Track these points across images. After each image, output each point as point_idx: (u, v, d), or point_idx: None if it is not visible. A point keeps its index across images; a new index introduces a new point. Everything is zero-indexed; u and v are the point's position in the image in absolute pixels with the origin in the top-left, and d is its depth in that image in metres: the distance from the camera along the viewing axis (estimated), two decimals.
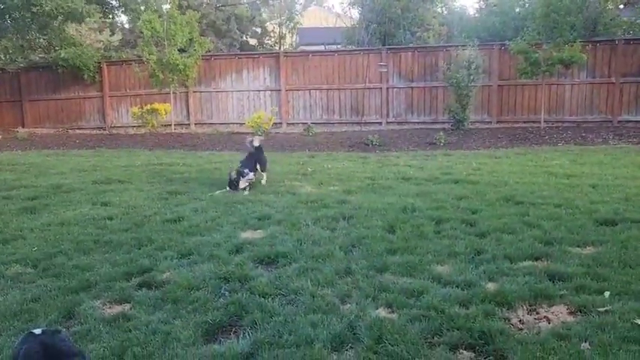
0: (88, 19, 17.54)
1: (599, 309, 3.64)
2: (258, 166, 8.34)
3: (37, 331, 2.51)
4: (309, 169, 9.73)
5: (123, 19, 25.33)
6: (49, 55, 18.79)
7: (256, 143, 8.52)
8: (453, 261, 4.64)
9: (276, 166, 10.06)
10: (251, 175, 7.96)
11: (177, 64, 15.88)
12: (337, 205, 6.76)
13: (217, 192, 7.77)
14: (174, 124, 17.06)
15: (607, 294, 3.86)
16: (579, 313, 3.65)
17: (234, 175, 7.99)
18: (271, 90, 17.38)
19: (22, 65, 18.56)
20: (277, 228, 5.78)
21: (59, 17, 16.69)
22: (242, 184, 7.87)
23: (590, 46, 14.72)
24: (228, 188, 7.92)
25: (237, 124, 17.24)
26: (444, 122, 15.69)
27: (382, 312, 3.73)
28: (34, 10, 16.06)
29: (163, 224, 6.08)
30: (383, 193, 7.45)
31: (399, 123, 16.56)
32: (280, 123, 17.08)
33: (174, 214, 6.52)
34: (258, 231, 5.76)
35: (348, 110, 16.99)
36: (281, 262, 4.73)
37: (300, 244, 5.17)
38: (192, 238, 5.47)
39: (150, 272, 4.56)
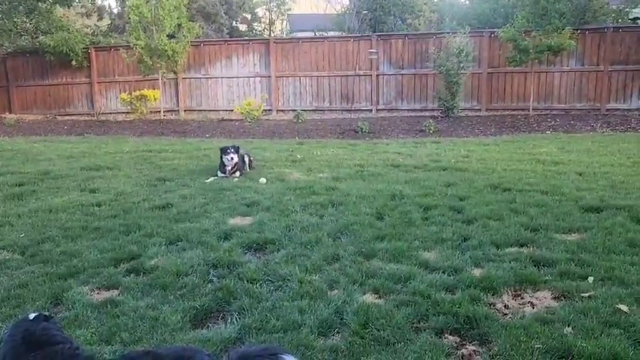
0: (76, 2, 17.27)
1: (582, 294, 3.69)
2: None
3: (31, 316, 2.49)
4: (299, 156, 9.72)
5: (111, 2, 25.00)
6: (36, 39, 18.53)
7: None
8: (440, 247, 4.67)
9: (266, 153, 10.04)
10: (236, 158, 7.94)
11: (166, 50, 15.72)
12: (326, 192, 6.77)
13: (211, 178, 7.76)
14: (164, 111, 16.94)
15: (591, 279, 3.92)
16: (563, 299, 3.70)
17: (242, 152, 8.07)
18: (261, 76, 17.28)
19: (8, 50, 18.27)
20: (266, 214, 5.78)
21: (47, 0, 16.42)
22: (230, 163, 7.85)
23: (579, 33, 14.75)
24: (219, 173, 7.91)
25: (226, 110, 17.14)
26: (433, 110, 15.71)
27: (369, 297, 3.76)
28: None
29: (152, 211, 6.07)
30: (372, 180, 7.47)
31: (388, 110, 16.56)
32: (270, 110, 17.01)
33: (162, 200, 6.51)
34: (247, 217, 5.76)
35: (338, 97, 16.95)
36: (269, 249, 4.75)
37: (289, 230, 5.19)
38: (180, 225, 5.47)
39: (138, 258, 4.56)
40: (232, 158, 7.85)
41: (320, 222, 5.46)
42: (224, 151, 7.93)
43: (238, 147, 8.07)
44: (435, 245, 4.73)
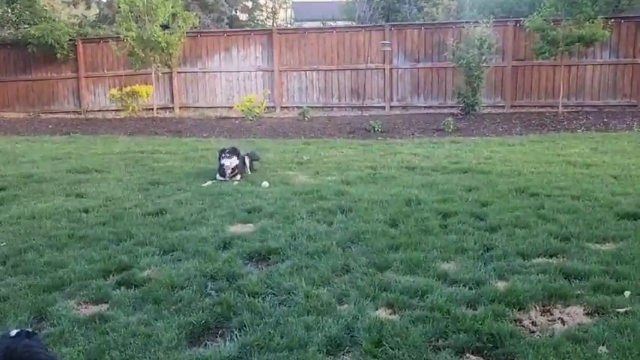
0: None
1: (618, 310, 3.67)
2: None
3: (13, 332, 2.50)
4: (305, 158, 9.73)
5: None
6: (18, 31, 18.68)
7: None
8: (460, 258, 4.66)
9: (269, 154, 10.05)
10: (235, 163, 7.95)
11: (160, 42, 15.80)
12: (335, 196, 6.77)
13: (208, 182, 7.79)
14: (157, 108, 17.01)
15: (627, 294, 3.89)
16: (597, 315, 3.68)
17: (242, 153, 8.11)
18: (263, 70, 17.33)
19: None
20: (269, 222, 5.79)
21: None
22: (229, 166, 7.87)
23: (613, 22, 14.68)
24: (218, 177, 7.94)
25: (225, 107, 17.20)
26: (452, 106, 15.68)
27: (382, 313, 3.76)
28: None
29: (144, 217, 6.09)
30: (385, 184, 7.47)
31: (403, 107, 16.55)
32: (273, 107, 17.05)
33: (156, 206, 6.53)
34: (248, 225, 5.77)
35: (348, 93, 16.97)
36: (273, 259, 4.75)
37: (294, 239, 5.19)
38: (175, 233, 5.49)
39: (129, 270, 4.58)
40: (231, 163, 7.86)
41: (328, 230, 5.46)
42: (221, 154, 7.95)
43: (237, 150, 8.07)
44: (455, 255, 4.72)
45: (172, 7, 16.29)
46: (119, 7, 16.42)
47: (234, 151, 7.96)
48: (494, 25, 15.11)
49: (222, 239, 5.25)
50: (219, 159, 7.96)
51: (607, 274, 4.20)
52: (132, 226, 5.71)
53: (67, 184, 7.87)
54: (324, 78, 17.04)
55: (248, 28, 21.68)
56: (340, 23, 23.30)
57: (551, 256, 4.66)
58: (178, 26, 16.39)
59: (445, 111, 15.56)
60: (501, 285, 4.11)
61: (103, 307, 3.98)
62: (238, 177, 8.00)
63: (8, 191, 7.51)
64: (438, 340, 3.40)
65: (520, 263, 4.50)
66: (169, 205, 6.56)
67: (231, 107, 16.76)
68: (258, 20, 30.10)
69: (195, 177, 8.19)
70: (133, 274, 4.47)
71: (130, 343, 3.41)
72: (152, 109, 16.91)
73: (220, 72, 17.56)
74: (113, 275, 4.49)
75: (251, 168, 8.47)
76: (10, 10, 18.25)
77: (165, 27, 16.46)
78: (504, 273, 4.31)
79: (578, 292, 3.95)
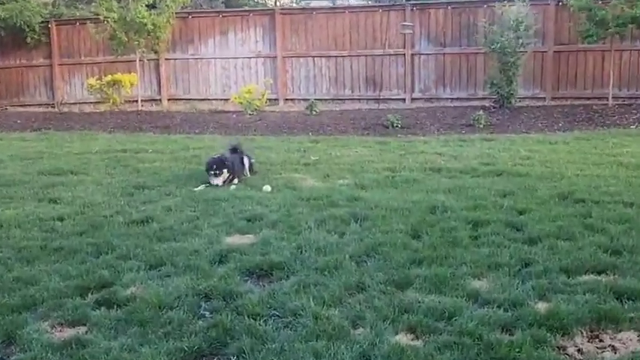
0: None
1: None
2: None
3: None
4: (313, 158, 9.77)
5: None
6: None
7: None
8: (493, 274, 4.65)
9: (271, 154, 10.08)
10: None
11: (145, 24, 15.86)
12: (348, 203, 6.78)
13: (201, 186, 7.82)
14: (142, 100, 17.09)
15: None
16: None
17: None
18: (265, 57, 17.37)
19: None
20: (271, 232, 5.81)
21: None
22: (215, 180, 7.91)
23: None
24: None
25: (221, 100, 17.26)
26: (484, 98, 15.65)
27: (403, 338, 3.75)
28: None
29: (127, 227, 6.12)
30: (406, 189, 7.47)
31: (427, 99, 16.54)
32: (276, 99, 17.09)
33: (141, 213, 6.57)
34: (248, 235, 5.79)
35: (363, 83, 16.98)
36: (276, 275, 4.76)
37: (301, 252, 5.20)
38: (163, 245, 5.51)
39: (111, 287, 4.60)
40: (223, 179, 7.90)
41: (340, 241, 5.47)
42: (209, 170, 7.94)
43: (226, 159, 8.05)
44: (488, 272, 4.71)
45: None
46: None
47: (222, 164, 7.93)
48: (533, 3, 15.04)
49: (217, 252, 5.26)
50: (207, 173, 7.96)
51: None
52: (113, 237, 5.74)
53: (39, 188, 7.91)
54: (334, 65, 17.06)
55: (247, 8, 21.72)
56: (353, 2, 23.33)
57: (599, 273, 4.63)
58: (166, 6, 16.44)
59: (475, 103, 15.53)
60: (542, 306, 4.09)
61: (81, 329, 3.99)
62: (236, 181, 8.02)
63: None
64: None
65: (564, 281, 4.48)
66: (156, 213, 6.58)
67: (227, 99, 16.80)
68: None
69: (187, 180, 8.22)
70: (115, 292, 4.48)
71: None
72: (136, 101, 16.99)
73: (215, 59, 17.63)
74: (92, 293, 4.51)
75: (251, 169, 8.50)
76: None
77: (151, 7, 16.53)
78: (545, 292, 4.29)
79: (632, 314, 3.93)
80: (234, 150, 8.43)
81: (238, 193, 7.40)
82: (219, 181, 7.88)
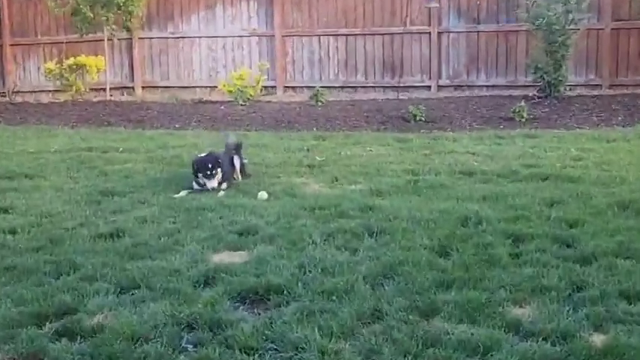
0: None
1: None
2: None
3: None
4: (318, 158, 9.77)
5: None
6: None
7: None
8: (538, 300, 4.63)
9: (267, 153, 10.08)
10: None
11: None
12: (360, 213, 6.77)
13: (183, 192, 7.83)
14: (111, 88, 17.15)
15: None
16: None
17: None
18: (260, 35, 17.40)
19: None
20: (268, 248, 5.79)
21: None
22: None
23: None
24: (195, 185, 7.99)
25: (207, 87, 17.31)
26: (526, 86, 15.66)
27: None
28: None
29: (94, 241, 6.11)
30: (431, 196, 7.45)
31: (456, 87, 16.55)
32: (274, 86, 17.13)
33: (110, 225, 6.56)
34: (239, 252, 5.79)
35: (379, 67, 16.98)
36: (274, 300, 4.74)
37: (304, 272, 5.18)
38: (137, 263, 5.49)
39: (73, 314, 4.58)
40: (217, 181, 7.92)
41: (352, 260, 5.45)
42: (197, 170, 7.93)
43: (218, 155, 8.10)
44: (532, 297, 4.68)
45: None
46: None
47: (217, 162, 7.91)
48: None
49: (202, 272, 5.25)
50: (196, 176, 7.96)
51: None
52: (77, 254, 5.72)
53: None
54: (344, 46, 17.07)
55: None
56: None
57: None
58: None
59: (516, 92, 15.52)
60: (598, 339, 4.07)
61: None
62: (224, 185, 8.01)
63: None
64: None
65: (624, 309, 4.45)
66: (128, 225, 6.57)
67: (214, 87, 16.83)
68: None
69: (165, 185, 8.22)
70: (79, 321, 4.47)
71: None
72: (104, 89, 17.04)
73: (199, 37, 17.67)
74: (51, 322, 4.49)
75: (242, 172, 8.49)
76: None
77: None
78: (602, 322, 4.27)
79: None
80: (236, 148, 8.44)
81: (228, 201, 7.39)
82: (214, 183, 7.85)
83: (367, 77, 17.07)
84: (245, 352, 3.99)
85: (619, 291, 4.71)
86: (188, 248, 5.85)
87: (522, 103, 13.30)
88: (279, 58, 17.23)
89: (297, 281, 5.01)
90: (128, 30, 17.23)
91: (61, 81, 16.96)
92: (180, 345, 4.14)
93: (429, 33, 16.57)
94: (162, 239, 6.12)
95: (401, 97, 15.92)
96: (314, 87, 16.08)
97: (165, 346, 4.10)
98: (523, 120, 12.71)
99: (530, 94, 15.05)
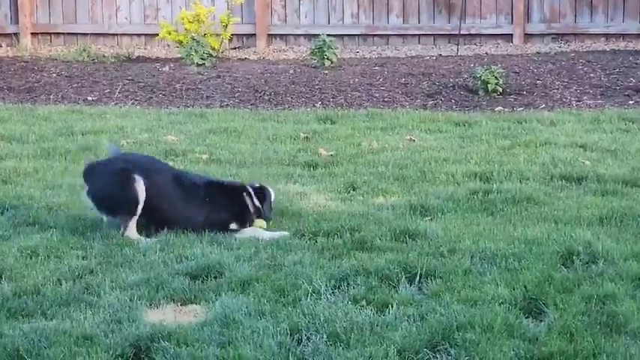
0: None
1: None
2: None
3: None
4: (324, 152, 9.86)
5: None
6: None
7: None
8: None
9: (242, 144, 10.11)
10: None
11: None
12: (394, 243, 6.82)
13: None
14: None
15: None
16: None
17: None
18: None
19: None
20: (239, 300, 5.77)
21: None
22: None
23: None
24: None
25: (140, 35, 17.44)
26: None
27: None
28: None
29: None
30: (512, 215, 7.51)
31: (555, 36, 16.62)
32: (252, 34, 17.25)
33: None
34: (192, 307, 5.79)
35: (425, 3, 17.03)
36: None
37: (298, 341, 5.16)
38: (23, 325, 5.46)
39: None
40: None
41: (379, 321, 5.43)
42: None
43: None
44: None
45: None
46: None
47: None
48: None
49: (130, 340, 5.19)
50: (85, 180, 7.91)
51: None
52: None
53: None
54: None
55: None
56: None
57: None
58: None
59: None
60: None
61: None
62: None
63: None
64: None
65: None
66: (8, 262, 6.58)
67: (153, 35, 17.01)
68: None
69: (70, 194, 8.25)
70: None
71: None
72: None
73: None
74: None
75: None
76: None
77: None
78: None
79: None
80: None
81: None
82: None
83: (406, 20, 17.12)
84: None
85: None
86: (107, 300, 5.83)
87: None
88: None
89: (288, 356, 4.96)
90: None
91: None
92: None
93: None
94: (63, 284, 6.09)
95: (462, 54, 16.07)
96: (318, 35, 16.17)
97: None
98: None
99: None
